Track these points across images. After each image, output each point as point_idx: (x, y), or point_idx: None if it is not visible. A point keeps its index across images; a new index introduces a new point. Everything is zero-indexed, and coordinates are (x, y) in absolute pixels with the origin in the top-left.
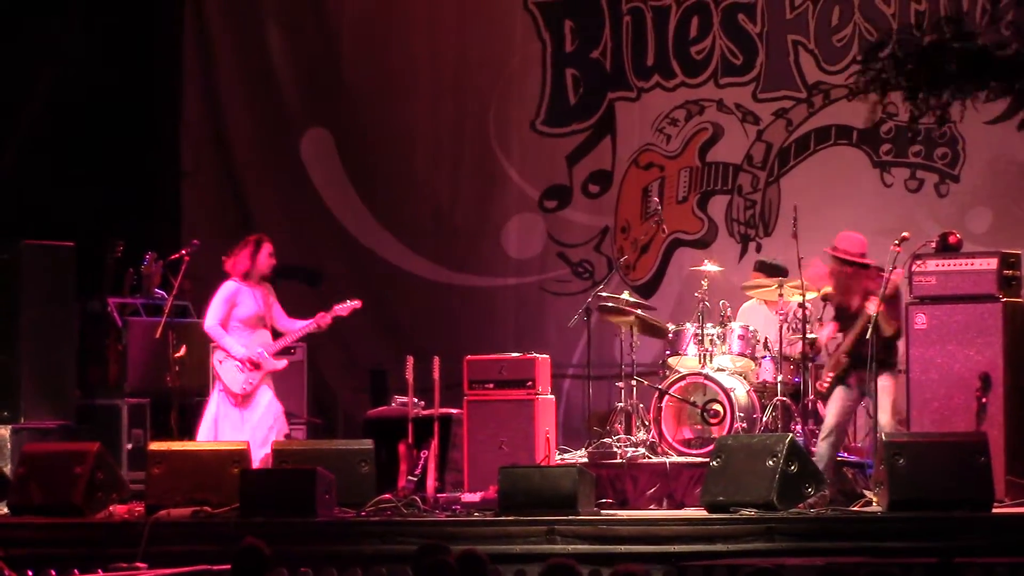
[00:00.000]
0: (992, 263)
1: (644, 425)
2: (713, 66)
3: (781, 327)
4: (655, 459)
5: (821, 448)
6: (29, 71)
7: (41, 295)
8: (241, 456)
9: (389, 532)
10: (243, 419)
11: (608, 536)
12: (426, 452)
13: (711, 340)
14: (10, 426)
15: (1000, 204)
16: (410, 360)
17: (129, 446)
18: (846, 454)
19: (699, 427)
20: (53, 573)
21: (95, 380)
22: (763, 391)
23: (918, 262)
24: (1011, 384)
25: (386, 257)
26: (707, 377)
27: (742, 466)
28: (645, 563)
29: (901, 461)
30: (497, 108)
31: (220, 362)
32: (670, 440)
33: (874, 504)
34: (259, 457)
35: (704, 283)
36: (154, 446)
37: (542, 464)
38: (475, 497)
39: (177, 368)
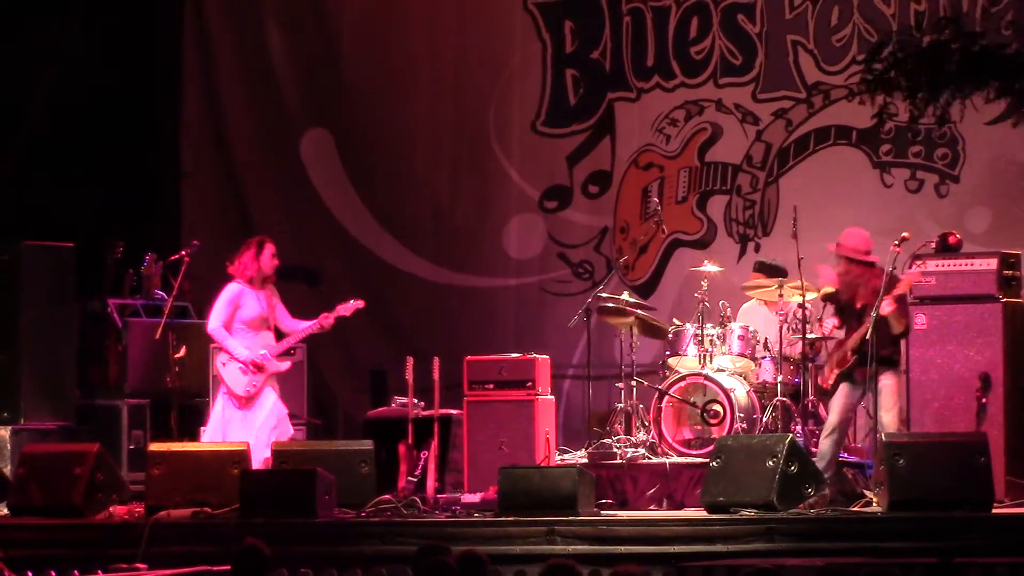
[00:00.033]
0: (992, 263)
1: (644, 426)
2: (713, 66)
3: (781, 327)
4: (655, 460)
5: (824, 445)
6: (29, 71)
7: (41, 296)
8: (241, 457)
9: (389, 533)
10: (246, 421)
11: (608, 537)
12: (426, 453)
13: (711, 340)
14: (10, 427)
15: (1000, 204)
16: (410, 361)
17: (129, 447)
18: (846, 454)
19: (699, 427)
20: (53, 574)
21: (95, 381)
22: (763, 391)
23: (918, 262)
24: (1011, 384)
25: (386, 257)
26: (707, 377)
27: (742, 467)
28: (645, 564)
29: (901, 461)
30: (497, 108)
31: (223, 364)
32: (670, 441)
33: (874, 504)
34: (261, 459)
35: (704, 283)
36: (154, 447)
37: (542, 465)
38: (475, 498)
39: (177, 369)
